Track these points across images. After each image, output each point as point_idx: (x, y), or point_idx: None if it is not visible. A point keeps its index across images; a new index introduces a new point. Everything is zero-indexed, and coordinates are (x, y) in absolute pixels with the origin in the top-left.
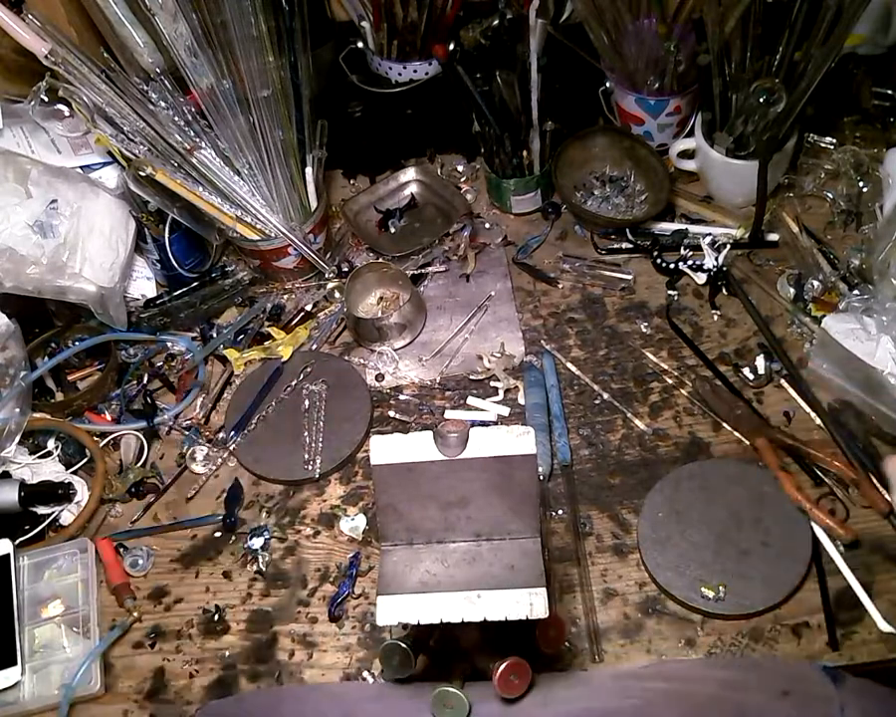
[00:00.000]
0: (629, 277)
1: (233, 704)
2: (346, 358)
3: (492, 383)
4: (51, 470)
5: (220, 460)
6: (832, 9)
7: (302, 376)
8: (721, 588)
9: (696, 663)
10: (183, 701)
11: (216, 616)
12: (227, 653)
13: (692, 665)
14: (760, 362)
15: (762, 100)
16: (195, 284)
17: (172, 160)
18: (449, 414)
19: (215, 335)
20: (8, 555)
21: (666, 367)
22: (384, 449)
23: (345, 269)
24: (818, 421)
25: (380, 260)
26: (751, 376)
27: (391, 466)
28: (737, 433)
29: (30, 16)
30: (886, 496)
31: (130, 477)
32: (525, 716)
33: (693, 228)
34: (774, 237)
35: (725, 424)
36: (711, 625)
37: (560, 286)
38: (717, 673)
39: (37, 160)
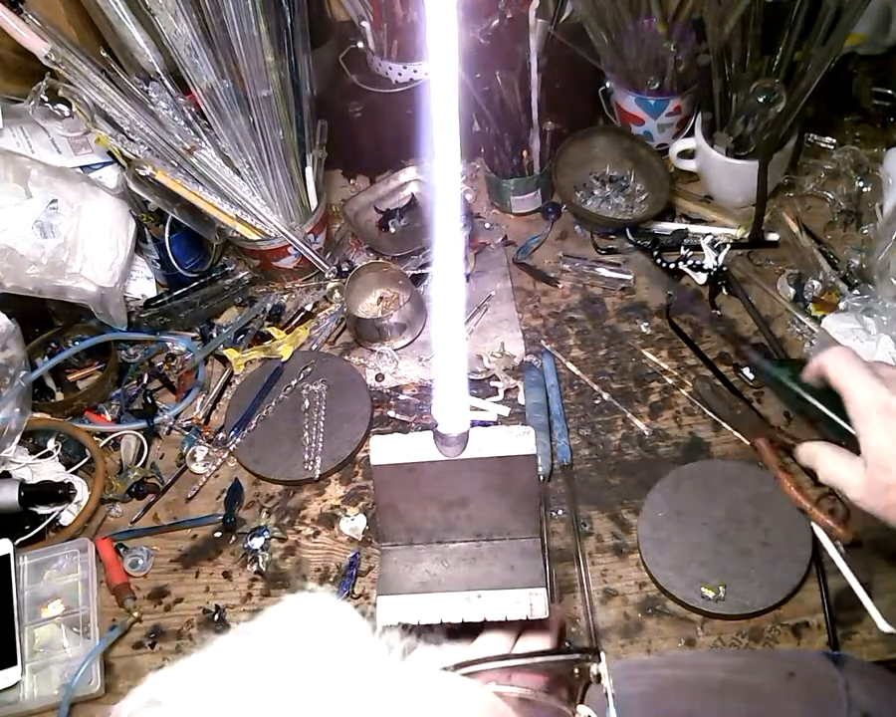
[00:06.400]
0: (629, 277)
1: None
2: (346, 357)
3: (492, 383)
4: (51, 470)
5: (220, 460)
6: (832, 9)
7: (302, 376)
8: (721, 588)
9: (704, 652)
10: None
11: (216, 616)
12: None
13: (700, 654)
14: None
15: (762, 100)
16: (195, 284)
17: (172, 160)
18: None
19: (215, 335)
20: (8, 555)
21: (666, 367)
22: (384, 449)
23: (345, 269)
24: None
25: (380, 260)
26: (751, 376)
27: (391, 466)
28: (737, 433)
29: (30, 16)
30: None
31: (130, 477)
32: None
33: (693, 228)
34: (774, 237)
35: (725, 424)
36: (711, 625)
37: (560, 286)
38: (724, 660)
39: (37, 160)
